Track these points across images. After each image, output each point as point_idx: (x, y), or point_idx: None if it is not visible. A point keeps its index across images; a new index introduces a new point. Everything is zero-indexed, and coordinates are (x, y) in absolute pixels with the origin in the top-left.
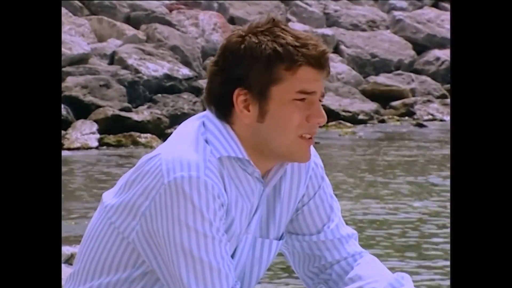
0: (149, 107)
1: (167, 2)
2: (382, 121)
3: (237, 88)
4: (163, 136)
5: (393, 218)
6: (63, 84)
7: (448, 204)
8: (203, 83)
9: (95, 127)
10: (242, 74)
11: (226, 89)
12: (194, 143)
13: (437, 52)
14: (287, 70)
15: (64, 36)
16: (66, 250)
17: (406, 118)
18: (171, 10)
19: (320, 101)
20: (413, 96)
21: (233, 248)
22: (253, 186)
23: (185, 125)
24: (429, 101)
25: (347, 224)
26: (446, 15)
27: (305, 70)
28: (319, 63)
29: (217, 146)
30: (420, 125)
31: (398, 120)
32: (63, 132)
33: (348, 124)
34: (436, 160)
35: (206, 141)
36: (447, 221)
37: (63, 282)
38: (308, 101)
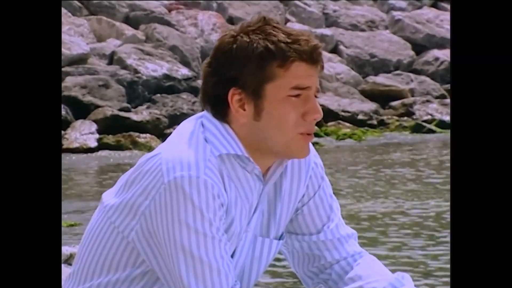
0: (148, 107)
1: (166, 2)
2: (381, 121)
3: (231, 88)
4: (162, 136)
5: None
6: (62, 84)
7: None
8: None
9: (94, 127)
10: (235, 74)
11: (221, 89)
12: (194, 142)
13: (436, 52)
14: (280, 67)
15: (63, 36)
16: (65, 250)
17: (405, 118)
18: (170, 10)
19: (316, 97)
20: (412, 96)
21: (233, 247)
22: (252, 185)
23: (185, 124)
24: (428, 101)
25: None
26: (445, 15)
27: (298, 66)
28: (312, 57)
29: (216, 145)
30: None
31: (397, 121)
32: (62, 132)
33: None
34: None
35: (206, 140)
36: None
37: (62, 283)
38: (303, 97)
